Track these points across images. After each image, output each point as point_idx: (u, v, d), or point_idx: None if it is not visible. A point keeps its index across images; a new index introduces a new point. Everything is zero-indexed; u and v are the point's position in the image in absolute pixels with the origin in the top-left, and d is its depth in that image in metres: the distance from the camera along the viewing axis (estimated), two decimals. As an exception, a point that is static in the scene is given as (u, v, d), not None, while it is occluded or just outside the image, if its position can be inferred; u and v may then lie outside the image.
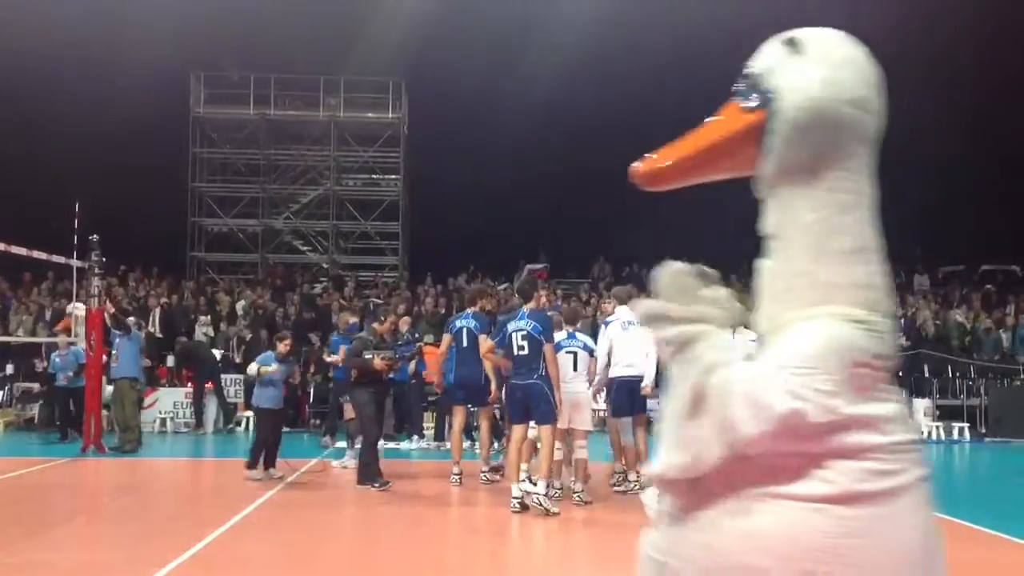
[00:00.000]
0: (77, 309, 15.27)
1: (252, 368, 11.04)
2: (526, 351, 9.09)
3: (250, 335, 19.48)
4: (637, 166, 2.11)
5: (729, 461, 1.94)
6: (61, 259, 14.23)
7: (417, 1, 24.93)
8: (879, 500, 1.91)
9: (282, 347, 11.25)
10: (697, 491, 2.01)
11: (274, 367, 11.04)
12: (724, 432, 1.92)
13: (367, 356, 10.36)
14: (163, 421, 17.43)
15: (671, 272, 2.09)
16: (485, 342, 9.89)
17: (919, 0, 23.61)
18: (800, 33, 2.12)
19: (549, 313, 10.46)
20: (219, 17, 24.42)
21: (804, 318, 1.99)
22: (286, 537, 7.88)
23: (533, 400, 9.08)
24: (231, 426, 17.39)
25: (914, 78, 24.49)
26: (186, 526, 7.98)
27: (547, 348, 9.08)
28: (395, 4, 25.34)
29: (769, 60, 2.12)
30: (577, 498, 9.45)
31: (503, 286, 23.69)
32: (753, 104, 2.08)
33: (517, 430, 9.29)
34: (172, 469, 13.16)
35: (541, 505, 8.81)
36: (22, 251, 13.25)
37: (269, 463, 10.97)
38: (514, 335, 9.20)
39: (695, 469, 1.98)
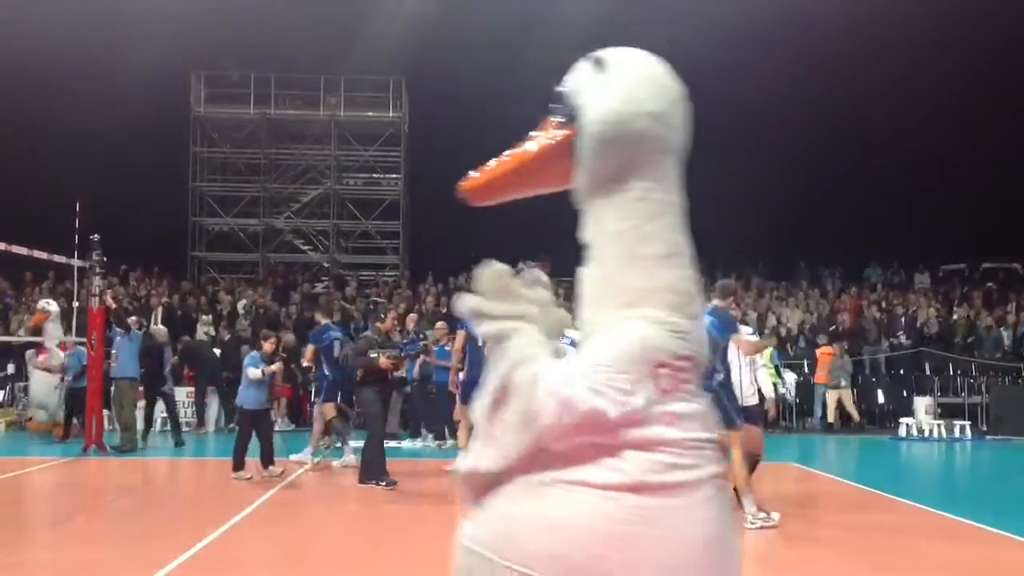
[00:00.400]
0: (50, 305, 15.21)
1: (255, 372, 10.94)
2: None
3: (228, 336, 19.47)
4: (463, 182, 2.26)
5: (532, 452, 2.04)
6: (62, 259, 14.24)
7: (417, 0, 24.92)
8: (672, 492, 1.99)
9: (267, 346, 11.22)
10: (501, 481, 2.11)
11: (276, 365, 11.05)
12: (528, 424, 2.02)
13: (372, 355, 10.33)
14: (164, 420, 17.40)
15: (492, 272, 2.22)
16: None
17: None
18: (605, 53, 2.23)
19: None
20: (219, 16, 24.41)
21: (614, 321, 2.09)
22: (287, 536, 7.88)
23: None
24: (232, 425, 17.37)
25: (916, 77, 24.50)
26: (187, 525, 7.98)
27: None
28: (395, 3, 25.35)
29: (578, 79, 2.23)
30: None
31: None
32: (563, 120, 2.21)
33: None
34: (173, 468, 13.15)
35: None
36: (23, 251, 13.25)
37: (267, 462, 10.95)
38: None
39: (504, 461, 2.08)
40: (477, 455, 2.15)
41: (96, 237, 13.97)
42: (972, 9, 23.68)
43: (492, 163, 2.27)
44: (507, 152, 2.27)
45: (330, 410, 11.93)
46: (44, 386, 15.84)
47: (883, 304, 23.09)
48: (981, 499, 10.88)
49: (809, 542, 7.85)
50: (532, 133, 2.27)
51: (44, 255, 13.85)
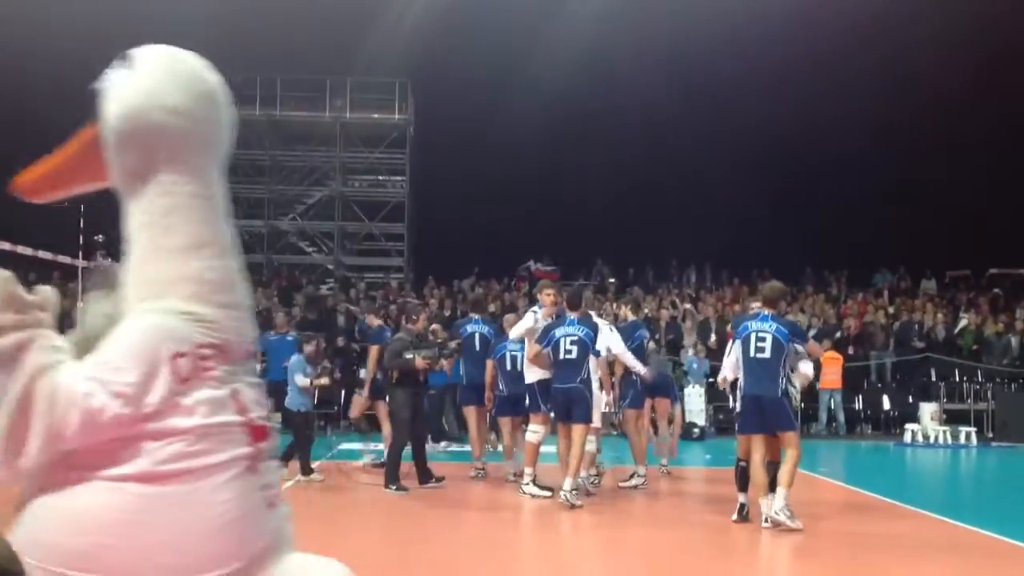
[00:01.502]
0: None
1: (303, 381, 10.87)
2: (574, 355, 9.39)
3: None
4: (17, 178, 2.32)
5: (57, 452, 2.06)
6: (66, 259, 14.23)
7: (423, 1, 24.92)
8: (185, 478, 2.05)
9: (310, 348, 11.23)
10: (34, 483, 2.14)
11: (325, 380, 11.12)
12: (45, 430, 2.03)
13: (408, 356, 10.20)
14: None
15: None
16: (532, 347, 9.85)
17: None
18: (136, 50, 2.30)
19: (507, 316, 11.78)
20: (224, 18, 24.42)
21: (135, 313, 2.13)
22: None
23: (574, 402, 9.42)
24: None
25: (923, 81, 24.44)
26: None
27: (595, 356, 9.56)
28: (401, 5, 25.34)
29: (108, 76, 2.30)
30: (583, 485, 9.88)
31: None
32: (95, 118, 2.27)
33: (563, 428, 9.69)
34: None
35: (567, 500, 9.17)
36: (28, 251, 13.25)
37: (287, 459, 10.83)
38: (563, 339, 9.45)
39: (21, 468, 2.09)
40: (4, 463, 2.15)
41: (100, 238, 13.94)
42: (981, 12, 23.61)
43: (42, 161, 2.32)
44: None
45: None
46: None
47: (889, 310, 23.01)
48: (987, 506, 10.83)
49: (813, 549, 7.81)
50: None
51: (49, 256, 13.84)
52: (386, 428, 12.07)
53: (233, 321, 2.19)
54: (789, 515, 8.08)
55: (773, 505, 8.09)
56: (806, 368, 8.49)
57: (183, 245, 2.17)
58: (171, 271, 2.15)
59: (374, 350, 11.72)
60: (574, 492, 9.24)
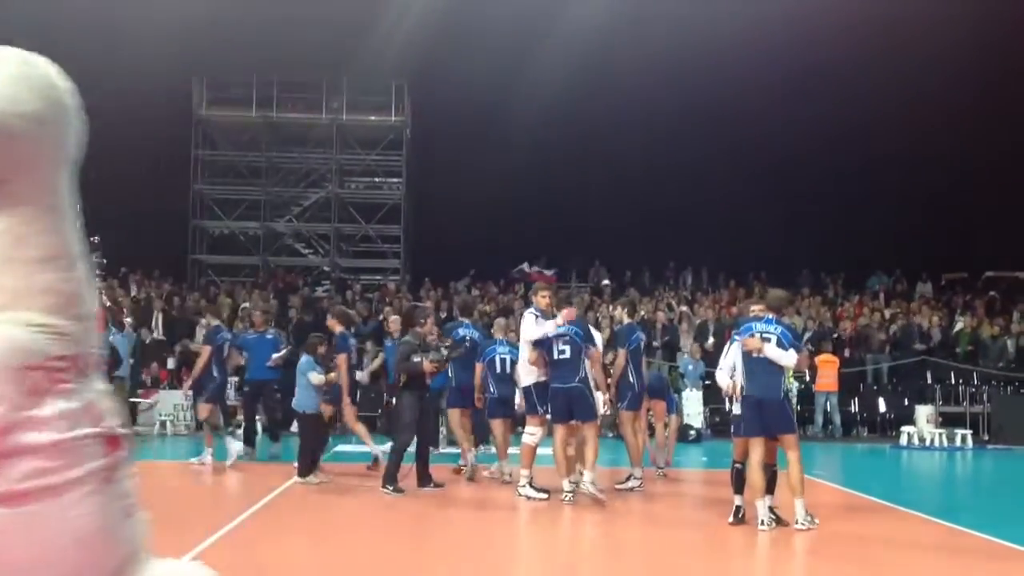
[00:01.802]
0: None
1: (318, 378, 10.86)
2: (568, 355, 9.52)
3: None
4: None
5: None
6: (62, 260, 14.22)
7: (421, 4, 24.92)
8: (38, 497, 1.99)
9: (322, 349, 11.24)
10: None
11: (333, 375, 11.11)
12: None
13: (416, 360, 10.19)
14: (163, 424, 17.36)
15: None
16: (531, 351, 9.89)
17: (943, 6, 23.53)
18: None
19: (498, 320, 12.08)
20: (223, 19, 24.41)
21: None
22: (283, 540, 7.84)
23: (575, 402, 9.53)
24: (231, 428, 17.31)
25: (921, 86, 24.48)
26: (184, 529, 7.93)
27: (590, 352, 9.75)
28: (399, 7, 25.34)
29: None
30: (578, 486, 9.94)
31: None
32: None
33: (560, 430, 9.69)
34: (172, 472, 13.09)
35: (589, 493, 9.43)
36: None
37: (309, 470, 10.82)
38: (555, 340, 9.58)
39: None
40: None
41: (96, 239, 13.93)
42: (981, 15, 23.65)
43: None
44: None
45: (204, 410, 12.45)
46: None
47: (885, 313, 23.02)
48: (983, 509, 10.84)
49: (809, 551, 7.81)
50: None
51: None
52: (360, 430, 12.09)
53: (85, 333, 2.19)
54: (810, 519, 8.18)
55: (795, 518, 8.15)
56: (786, 359, 8.38)
57: (37, 257, 2.14)
58: (25, 282, 2.12)
59: (342, 359, 11.53)
60: (593, 483, 9.46)
